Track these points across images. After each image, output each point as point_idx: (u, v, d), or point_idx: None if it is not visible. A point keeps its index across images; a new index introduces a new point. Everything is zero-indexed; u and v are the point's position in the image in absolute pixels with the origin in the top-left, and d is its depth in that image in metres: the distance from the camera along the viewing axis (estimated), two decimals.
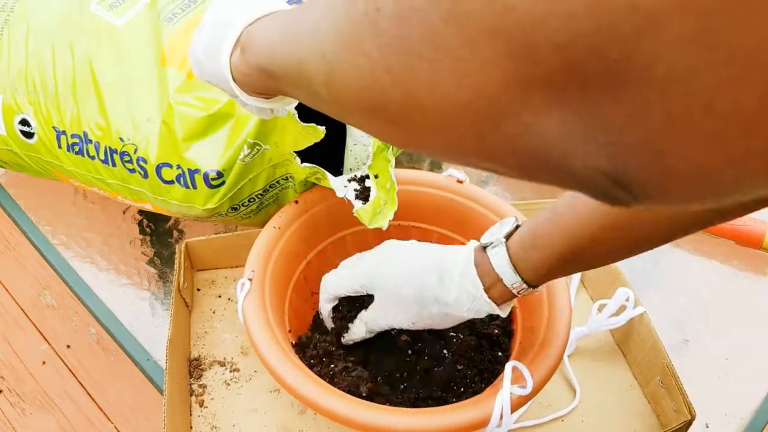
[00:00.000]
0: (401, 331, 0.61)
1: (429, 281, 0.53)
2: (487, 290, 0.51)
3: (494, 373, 0.63)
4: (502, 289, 0.51)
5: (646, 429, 0.66)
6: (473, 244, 0.54)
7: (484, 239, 0.53)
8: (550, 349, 0.58)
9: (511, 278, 0.50)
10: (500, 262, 0.50)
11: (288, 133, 0.68)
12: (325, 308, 0.62)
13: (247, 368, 0.70)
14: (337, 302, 0.62)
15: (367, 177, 0.70)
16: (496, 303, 0.51)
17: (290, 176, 0.71)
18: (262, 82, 0.42)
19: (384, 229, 0.67)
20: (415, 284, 0.54)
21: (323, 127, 0.69)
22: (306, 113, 0.65)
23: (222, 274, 0.79)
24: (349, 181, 0.70)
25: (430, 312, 0.54)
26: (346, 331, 0.61)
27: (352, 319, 0.61)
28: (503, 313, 0.53)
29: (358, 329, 0.60)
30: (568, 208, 0.47)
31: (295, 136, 0.68)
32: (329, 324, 0.63)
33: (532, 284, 0.51)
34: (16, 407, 1.53)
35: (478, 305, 0.51)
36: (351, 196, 0.67)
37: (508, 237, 0.51)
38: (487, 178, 0.94)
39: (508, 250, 0.50)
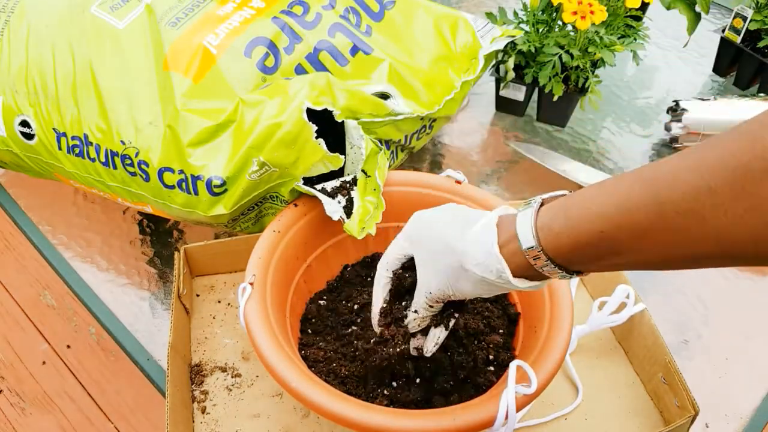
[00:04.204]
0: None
1: (452, 232, 0.51)
2: (501, 246, 0.47)
3: (496, 374, 0.63)
4: (515, 251, 0.46)
5: (650, 425, 0.67)
6: (509, 208, 0.51)
7: (531, 198, 0.49)
8: (554, 347, 0.58)
9: (526, 239, 0.45)
10: (523, 220, 0.46)
11: (306, 160, 0.68)
12: (381, 276, 0.58)
13: (249, 373, 0.70)
14: (390, 278, 0.57)
15: (354, 184, 0.70)
16: (511, 270, 0.47)
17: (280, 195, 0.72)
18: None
19: (372, 234, 0.68)
20: (440, 236, 0.52)
21: (343, 156, 0.69)
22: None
23: (221, 280, 0.79)
24: (338, 190, 0.70)
25: (445, 263, 0.51)
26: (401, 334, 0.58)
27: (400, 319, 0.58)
28: (517, 283, 0.48)
29: (411, 320, 0.56)
30: (618, 186, 0.42)
31: (314, 163, 0.69)
32: (377, 312, 0.59)
33: (553, 258, 0.45)
34: (16, 407, 1.53)
35: (489, 260, 0.47)
36: (342, 214, 0.67)
37: (547, 201, 0.47)
38: (487, 178, 0.94)
39: (538, 212, 0.46)
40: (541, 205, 0.47)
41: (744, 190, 0.35)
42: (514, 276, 0.48)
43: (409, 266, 0.57)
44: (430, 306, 0.54)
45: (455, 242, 0.50)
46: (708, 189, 0.36)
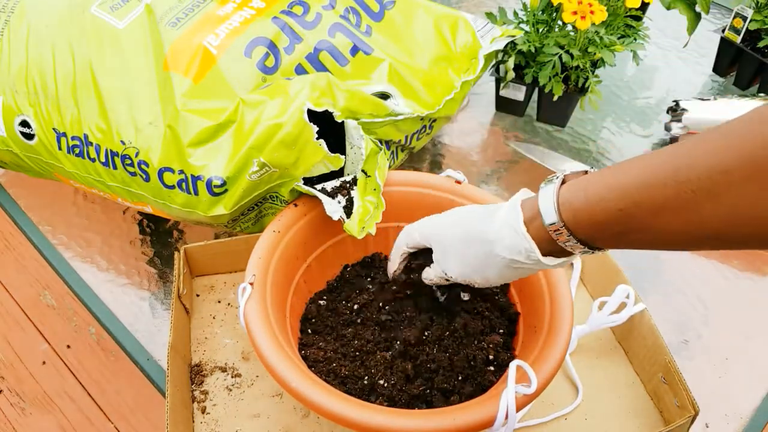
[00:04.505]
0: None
1: (477, 219, 0.53)
2: (526, 224, 0.48)
3: (496, 373, 0.64)
4: (539, 228, 0.47)
5: (650, 425, 0.67)
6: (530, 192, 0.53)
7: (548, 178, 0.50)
8: (553, 347, 0.58)
9: (549, 215, 0.46)
10: (545, 196, 0.47)
11: (306, 160, 0.69)
12: (394, 256, 0.62)
13: (249, 373, 0.70)
14: (405, 256, 0.62)
15: (354, 184, 0.71)
16: (539, 247, 0.48)
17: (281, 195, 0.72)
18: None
19: (372, 234, 0.68)
20: (463, 224, 0.54)
21: (343, 156, 0.70)
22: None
23: (221, 280, 0.79)
24: (338, 190, 0.70)
25: (474, 251, 0.52)
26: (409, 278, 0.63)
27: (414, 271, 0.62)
28: (547, 261, 0.49)
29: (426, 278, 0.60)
30: (638, 165, 0.43)
31: (314, 163, 0.69)
32: (392, 269, 0.63)
33: (575, 233, 0.46)
34: (16, 407, 1.53)
35: (517, 241, 0.48)
36: (342, 214, 0.68)
37: (568, 177, 0.48)
38: (487, 178, 0.94)
39: (559, 188, 0.47)
40: (563, 182, 0.48)
41: (755, 173, 0.37)
42: (542, 254, 0.49)
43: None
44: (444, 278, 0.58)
45: (485, 231, 0.51)
46: (722, 169, 0.38)
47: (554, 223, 0.46)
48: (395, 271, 0.63)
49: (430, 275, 0.59)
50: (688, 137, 0.42)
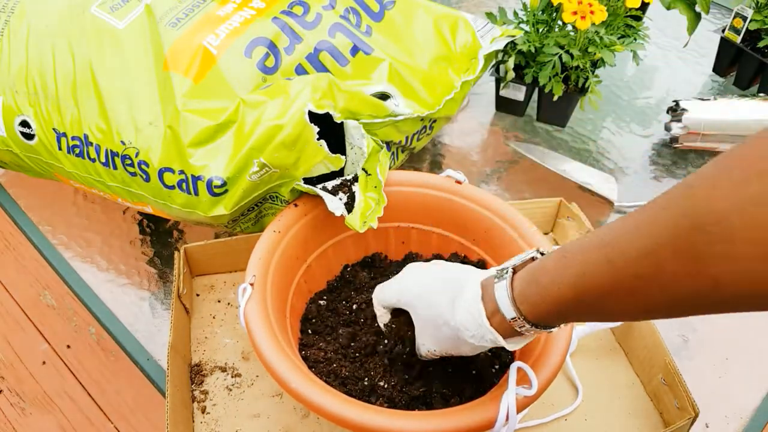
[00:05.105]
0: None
1: (441, 303, 0.54)
2: (489, 318, 0.50)
3: (497, 375, 0.63)
4: (501, 320, 0.50)
5: (649, 427, 0.67)
6: (490, 270, 0.54)
7: (498, 267, 0.52)
8: (554, 349, 0.58)
9: (508, 312, 0.49)
10: (501, 293, 0.49)
11: (307, 161, 0.69)
12: (379, 312, 0.63)
13: (249, 373, 0.70)
14: (389, 315, 0.62)
15: (355, 181, 0.71)
16: (501, 335, 0.50)
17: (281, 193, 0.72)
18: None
19: (374, 227, 0.68)
20: (430, 306, 0.56)
21: (344, 157, 0.70)
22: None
23: (221, 279, 0.79)
24: (339, 188, 0.70)
25: (444, 334, 0.55)
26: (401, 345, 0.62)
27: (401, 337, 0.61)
28: (509, 346, 0.51)
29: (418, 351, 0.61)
30: (578, 251, 0.44)
31: (315, 164, 0.69)
32: (381, 322, 0.63)
33: (535, 323, 0.49)
34: (16, 407, 1.53)
35: (482, 332, 0.51)
36: (344, 210, 0.68)
37: (518, 268, 0.50)
38: (487, 178, 0.94)
39: (512, 281, 0.49)
40: (514, 272, 0.50)
41: (681, 250, 0.35)
42: (505, 339, 0.51)
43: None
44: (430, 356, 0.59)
45: (446, 315, 0.54)
46: (651, 251, 0.37)
47: (515, 318, 0.49)
48: (385, 325, 0.63)
49: (420, 351, 0.59)
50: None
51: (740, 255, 0.33)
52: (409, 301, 0.58)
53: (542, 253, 0.51)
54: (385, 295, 0.61)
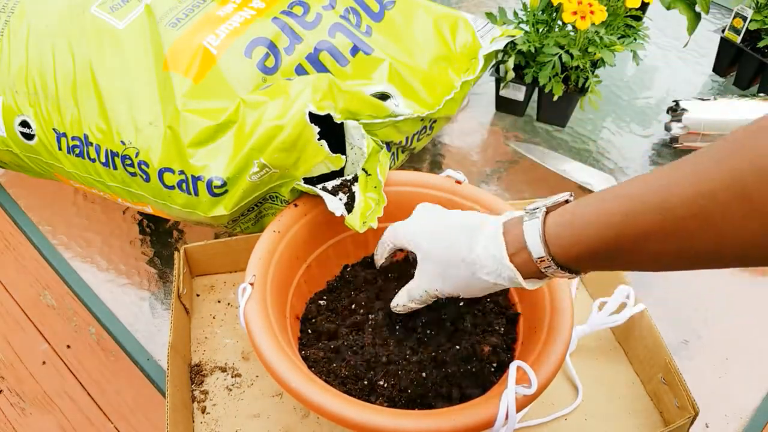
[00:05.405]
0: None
1: (459, 240, 0.53)
2: (511, 256, 0.49)
3: (496, 374, 0.64)
4: (526, 259, 0.49)
5: (649, 426, 0.67)
6: (511, 213, 0.53)
7: (529, 207, 0.51)
8: (554, 348, 0.58)
9: (537, 250, 0.48)
10: (531, 231, 0.48)
11: (307, 161, 0.69)
12: (380, 251, 0.64)
13: (249, 373, 0.70)
14: (392, 252, 0.63)
15: (354, 181, 0.71)
16: (521, 273, 0.50)
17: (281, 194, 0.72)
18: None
19: (374, 228, 0.68)
20: (445, 242, 0.54)
21: (344, 156, 0.70)
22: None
23: (221, 279, 0.79)
24: (339, 188, 0.70)
25: (457, 273, 0.53)
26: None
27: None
28: (528, 285, 0.51)
29: (401, 297, 0.60)
30: (622, 194, 0.44)
31: (316, 164, 0.69)
32: (380, 262, 0.65)
33: (563, 265, 0.48)
34: (16, 407, 1.53)
35: (500, 269, 0.50)
36: (343, 210, 0.68)
37: (551, 209, 0.49)
38: (487, 178, 0.94)
39: (545, 221, 0.48)
40: (546, 213, 0.49)
41: (740, 195, 0.36)
42: (524, 279, 0.50)
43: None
44: (423, 300, 0.58)
45: (466, 255, 0.52)
46: (708, 193, 0.38)
47: (542, 257, 0.48)
48: (382, 264, 0.65)
49: (413, 295, 0.58)
50: (678, 160, 0.42)
51: None
52: (423, 241, 0.56)
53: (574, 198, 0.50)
54: (398, 235, 0.60)
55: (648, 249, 0.42)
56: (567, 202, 0.50)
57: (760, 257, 0.38)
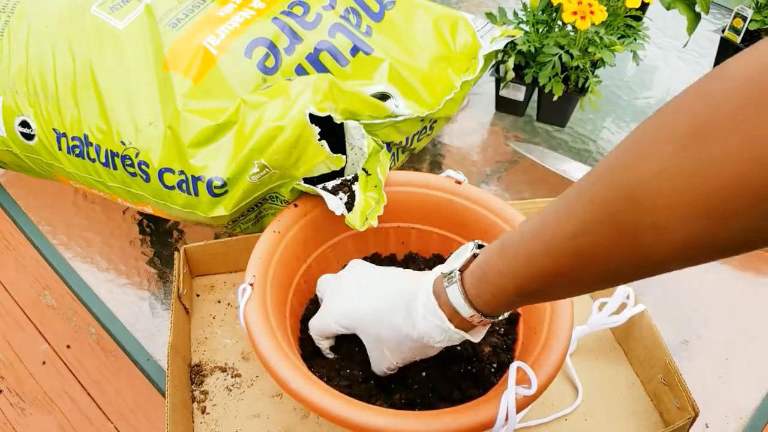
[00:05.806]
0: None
1: (397, 320, 0.55)
2: (450, 320, 0.51)
3: (496, 375, 0.64)
4: (461, 320, 0.51)
5: (650, 427, 0.67)
6: (436, 272, 0.54)
7: (445, 268, 0.53)
8: (554, 348, 0.58)
9: (466, 312, 0.50)
10: (454, 296, 0.50)
11: (308, 161, 0.69)
12: (321, 345, 0.64)
13: (249, 373, 0.70)
14: (333, 341, 0.64)
15: (355, 180, 0.71)
16: (463, 330, 0.52)
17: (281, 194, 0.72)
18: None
19: (374, 226, 0.68)
20: (386, 327, 0.56)
21: (344, 156, 0.70)
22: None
23: (221, 279, 0.79)
24: (339, 188, 0.70)
25: (410, 346, 0.55)
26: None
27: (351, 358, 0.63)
28: (475, 338, 0.53)
29: (377, 368, 0.61)
30: (517, 242, 0.45)
31: (316, 164, 0.69)
32: (328, 355, 0.65)
33: (494, 314, 0.50)
34: (16, 407, 1.53)
35: (449, 335, 0.52)
36: (344, 209, 0.68)
37: (463, 268, 0.51)
38: (487, 178, 0.94)
39: (462, 282, 0.50)
40: (461, 273, 0.51)
41: (613, 228, 0.36)
42: (468, 332, 0.53)
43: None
44: (396, 366, 0.60)
45: (411, 331, 0.54)
46: (583, 231, 0.38)
47: (473, 315, 0.50)
48: (326, 351, 0.64)
49: (382, 367, 0.60)
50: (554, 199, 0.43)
51: (663, 223, 0.34)
52: (370, 326, 0.58)
53: (480, 245, 0.52)
54: (324, 326, 0.61)
55: (553, 288, 0.44)
56: (475, 256, 0.51)
57: (664, 271, 0.38)
